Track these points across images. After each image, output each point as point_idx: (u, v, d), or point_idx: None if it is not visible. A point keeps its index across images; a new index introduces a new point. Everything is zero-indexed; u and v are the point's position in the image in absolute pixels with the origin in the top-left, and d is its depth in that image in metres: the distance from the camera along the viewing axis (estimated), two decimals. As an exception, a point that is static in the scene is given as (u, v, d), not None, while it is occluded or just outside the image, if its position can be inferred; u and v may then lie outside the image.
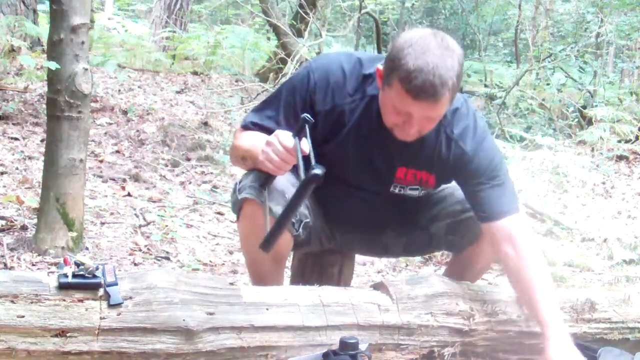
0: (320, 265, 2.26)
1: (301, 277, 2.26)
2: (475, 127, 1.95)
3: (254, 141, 1.89)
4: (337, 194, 2.04)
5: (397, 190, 2.02)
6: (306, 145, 1.68)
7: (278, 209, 1.81)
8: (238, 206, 1.96)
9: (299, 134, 1.71)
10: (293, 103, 1.93)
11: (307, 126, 1.70)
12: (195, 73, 7.44)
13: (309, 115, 1.71)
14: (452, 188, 2.12)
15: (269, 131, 1.85)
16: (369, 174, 2.00)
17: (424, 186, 2.02)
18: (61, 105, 2.86)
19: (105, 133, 5.00)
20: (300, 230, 1.97)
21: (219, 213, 3.87)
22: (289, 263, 2.91)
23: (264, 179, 1.87)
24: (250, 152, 1.88)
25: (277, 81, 6.45)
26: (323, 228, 2.15)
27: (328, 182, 1.68)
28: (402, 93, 1.71)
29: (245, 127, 2.00)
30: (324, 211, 2.11)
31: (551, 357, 1.78)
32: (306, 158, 1.66)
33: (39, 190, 3.10)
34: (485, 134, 1.97)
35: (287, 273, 2.94)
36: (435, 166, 1.97)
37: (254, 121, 1.98)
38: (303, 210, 1.97)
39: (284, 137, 1.73)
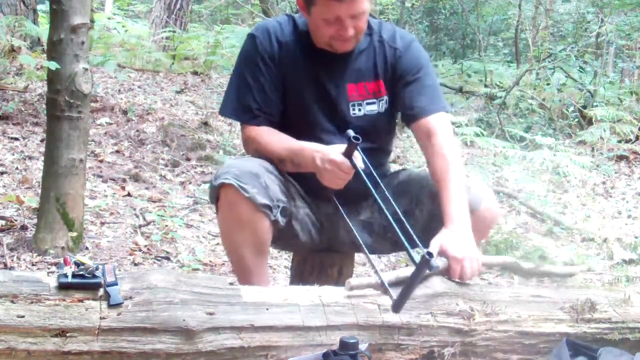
0: (320, 265, 2.26)
1: (301, 277, 2.26)
2: (402, 32, 2.20)
3: (287, 144, 2.04)
4: None
5: (357, 112, 2.12)
6: (360, 162, 1.89)
7: (254, 192, 1.90)
8: (215, 193, 1.96)
9: (349, 153, 1.86)
10: (256, 67, 2.08)
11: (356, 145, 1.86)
12: (195, 73, 7.43)
13: (353, 134, 1.84)
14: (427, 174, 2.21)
15: (271, 115, 2.08)
16: (326, 102, 2.11)
17: (378, 96, 2.14)
18: (61, 105, 2.86)
19: (105, 133, 5.00)
20: (279, 215, 1.96)
21: (219, 213, 3.86)
22: (288, 263, 2.90)
23: (331, 193, 2.03)
24: (293, 158, 2.02)
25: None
26: (309, 216, 2.14)
27: None
28: (326, 1, 1.92)
29: (248, 122, 2.10)
30: (304, 188, 2.12)
31: (436, 240, 1.91)
32: (368, 174, 1.87)
33: (39, 190, 3.10)
34: (413, 39, 2.19)
35: (287, 273, 2.94)
36: (379, 72, 2.13)
37: (254, 113, 2.08)
38: (280, 195, 1.97)
39: (341, 162, 1.88)
